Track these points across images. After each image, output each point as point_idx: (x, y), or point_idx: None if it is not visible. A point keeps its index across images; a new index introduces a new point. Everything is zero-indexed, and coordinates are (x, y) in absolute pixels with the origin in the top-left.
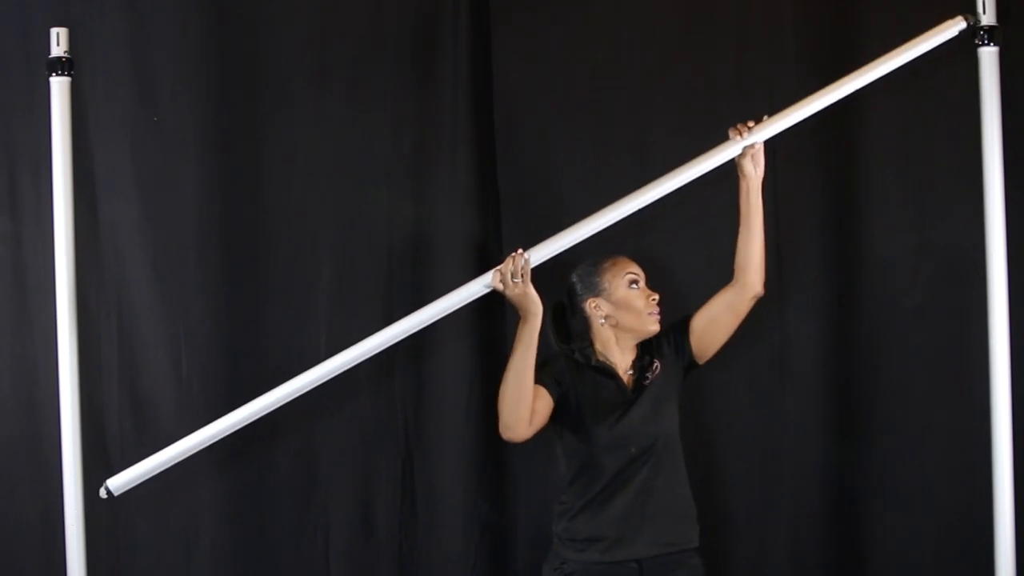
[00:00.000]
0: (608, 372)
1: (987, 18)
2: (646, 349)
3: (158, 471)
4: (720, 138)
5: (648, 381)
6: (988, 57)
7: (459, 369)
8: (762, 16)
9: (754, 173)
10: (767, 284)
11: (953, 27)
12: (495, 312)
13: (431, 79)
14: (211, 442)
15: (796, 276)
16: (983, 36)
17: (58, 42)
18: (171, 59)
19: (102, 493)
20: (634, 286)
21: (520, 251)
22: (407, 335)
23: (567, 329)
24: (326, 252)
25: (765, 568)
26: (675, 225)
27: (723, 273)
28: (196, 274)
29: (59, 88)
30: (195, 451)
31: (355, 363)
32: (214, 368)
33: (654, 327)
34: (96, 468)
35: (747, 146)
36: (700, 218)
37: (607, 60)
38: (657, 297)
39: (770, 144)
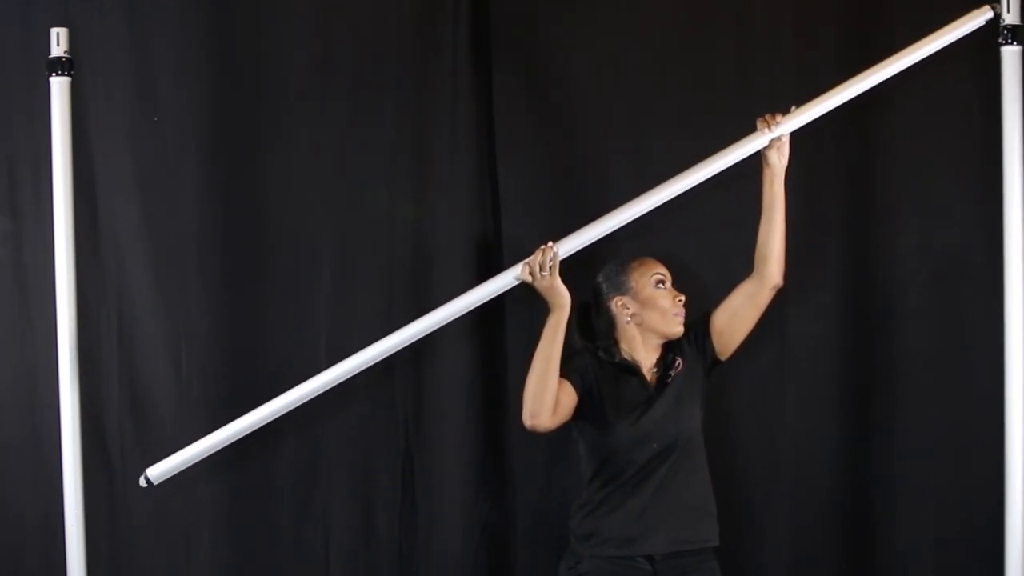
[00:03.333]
0: (631, 369)
1: (1011, 17)
2: (670, 348)
3: (197, 460)
4: (719, 137)
5: (671, 379)
6: (1011, 56)
7: (459, 370)
8: (762, 16)
9: (779, 163)
10: None
11: (980, 17)
12: (496, 313)
13: (431, 80)
14: (251, 431)
15: (799, 276)
16: (1006, 35)
17: (58, 42)
18: (171, 59)
19: (142, 482)
20: (660, 286)
21: (549, 244)
22: (439, 326)
23: (591, 328)
24: (326, 252)
25: (767, 568)
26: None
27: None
28: (196, 274)
29: (59, 88)
30: (233, 440)
31: (395, 351)
32: (214, 368)
33: (678, 329)
34: (96, 468)
35: (774, 138)
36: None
37: (607, 60)
38: (683, 298)
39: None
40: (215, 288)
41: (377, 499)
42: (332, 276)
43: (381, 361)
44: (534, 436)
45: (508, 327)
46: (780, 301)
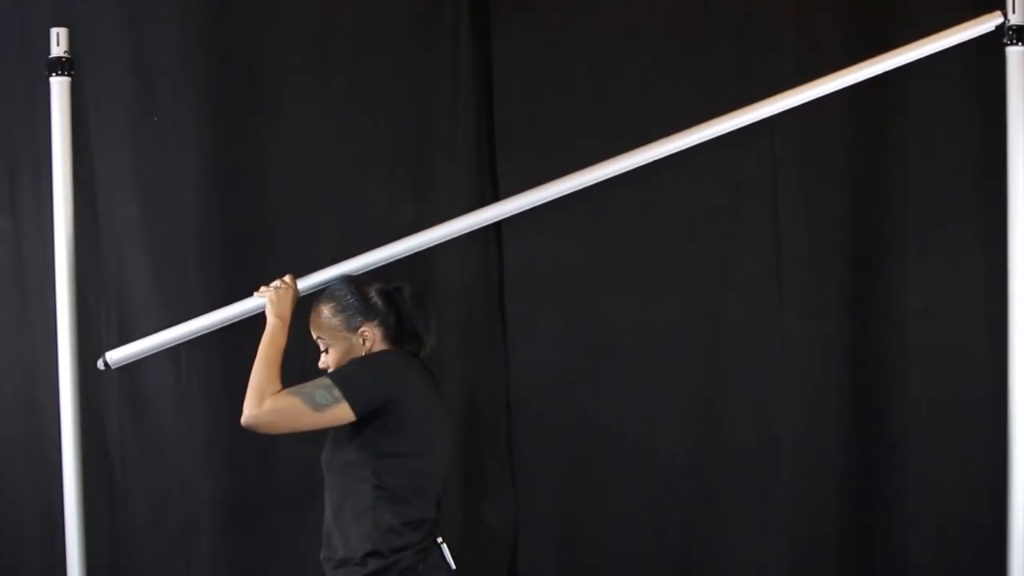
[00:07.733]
0: None
1: (1016, 17)
2: None
3: (158, 350)
4: (712, 143)
5: None
6: (1016, 56)
7: (459, 368)
8: (762, 15)
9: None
10: (767, 284)
11: (988, 22)
12: (495, 312)
13: (431, 78)
14: (215, 328)
15: (796, 276)
16: (1011, 35)
17: (58, 42)
18: (171, 59)
19: (100, 364)
20: None
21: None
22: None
23: None
24: (326, 252)
25: (767, 569)
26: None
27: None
28: (196, 274)
29: (59, 88)
30: (198, 335)
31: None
32: (214, 368)
33: None
34: (96, 468)
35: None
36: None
37: (607, 60)
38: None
39: (771, 142)
40: (215, 287)
41: None
42: None
43: None
44: (535, 436)
45: (509, 325)
46: (780, 301)
